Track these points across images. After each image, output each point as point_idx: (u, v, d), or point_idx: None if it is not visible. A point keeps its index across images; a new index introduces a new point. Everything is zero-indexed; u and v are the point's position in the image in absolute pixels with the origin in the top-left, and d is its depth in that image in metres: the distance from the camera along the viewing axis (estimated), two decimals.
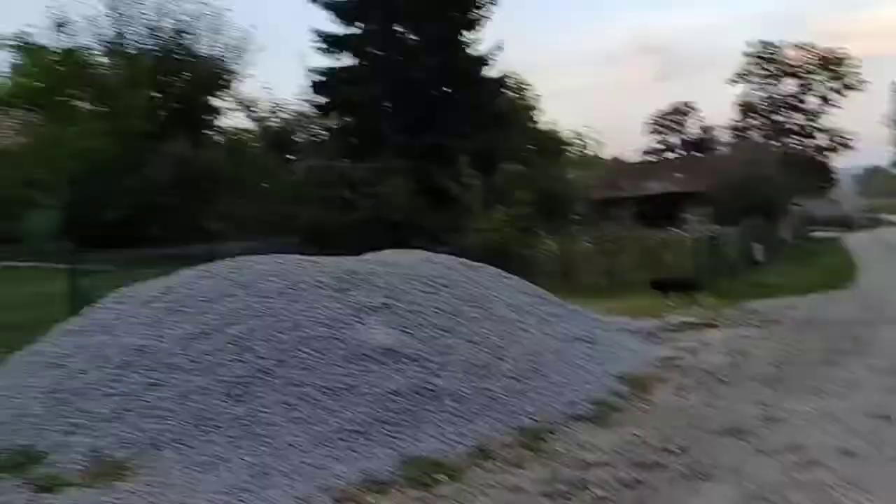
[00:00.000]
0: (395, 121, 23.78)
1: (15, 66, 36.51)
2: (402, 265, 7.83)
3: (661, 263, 17.25)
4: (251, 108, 31.33)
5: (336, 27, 24.89)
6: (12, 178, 26.22)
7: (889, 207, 64.59)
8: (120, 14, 31.34)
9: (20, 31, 32.95)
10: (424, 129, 22.61)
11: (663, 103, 61.68)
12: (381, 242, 17.36)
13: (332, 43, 24.70)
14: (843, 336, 9.49)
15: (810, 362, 7.99)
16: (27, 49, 34.05)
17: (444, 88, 23.41)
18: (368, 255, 9.14)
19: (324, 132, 26.81)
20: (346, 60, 25.14)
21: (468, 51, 25.21)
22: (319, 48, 24.74)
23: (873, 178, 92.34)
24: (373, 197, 19.86)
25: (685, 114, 56.52)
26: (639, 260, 17.83)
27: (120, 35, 31.66)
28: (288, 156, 26.36)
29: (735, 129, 49.99)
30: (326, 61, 25.04)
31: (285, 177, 21.78)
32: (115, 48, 31.39)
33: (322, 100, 25.61)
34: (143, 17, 31.48)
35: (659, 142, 56.75)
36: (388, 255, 9.02)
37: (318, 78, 24.79)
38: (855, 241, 36.23)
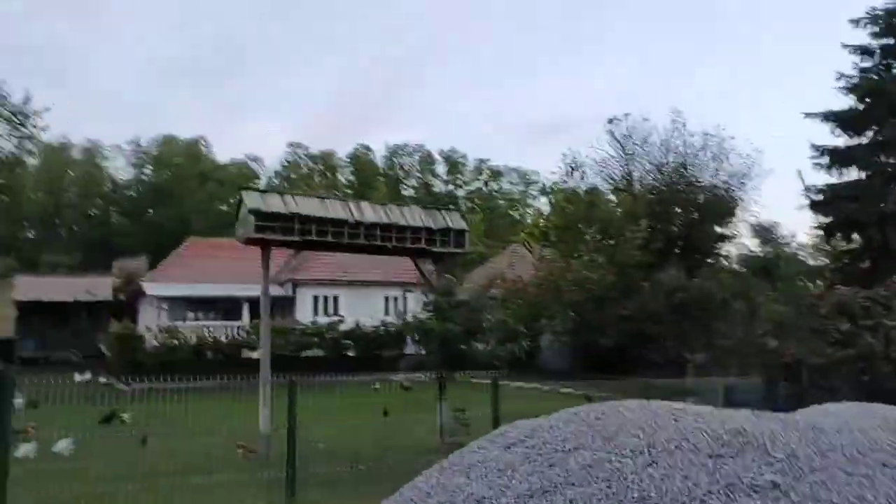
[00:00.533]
0: None
1: (543, 211, 42.20)
2: (824, 428, 5.88)
3: None
4: (761, 235, 29.91)
5: (838, 139, 22.25)
6: (525, 307, 29.53)
7: None
8: (628, 155, 33.74)
9: (551, 180, 38.23)
10: None
11: None
12: (886, 385, 14.13)
13: (834, 157, 22.04)
14: None
15: None
16: (551, 193, 39.10)
17: None
18: (813, 408, 7.21)
19: (822, 256, 23.78)
20: (850, 175, 22.12)
21: None
22: (818, 164, 22.32)
23: None
24: (875, 330, 16.44)
25: None
26: None
27: (627, 173, 33.94)
28: (782, 283, 24.06)
29: None
30: (827, 177, 22.42)
31: (774, 305, 19.74)
32: (620, 185, 33.69)
33: (821, 220, 22.85)
34: (649, 155, 33.33)
35: None
36: (834, 409, 6.96)
37: (816, 196, 22.27)
38: None
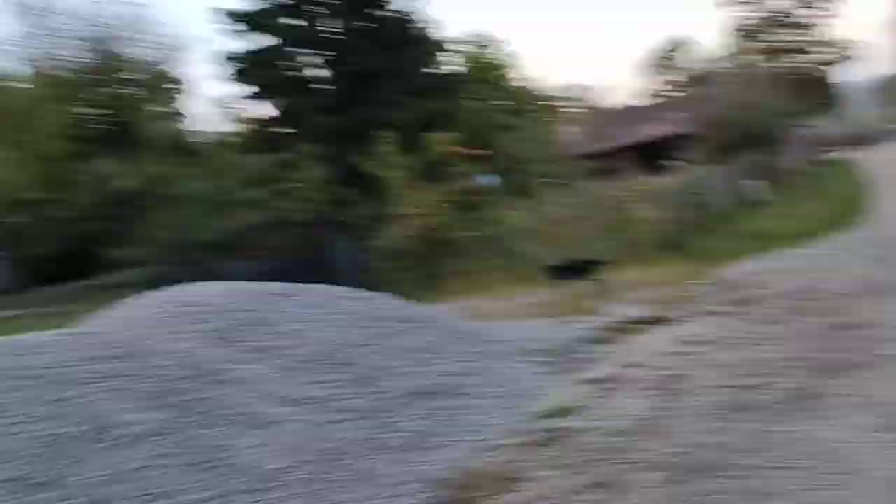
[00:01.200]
0: (321, 101, 20.74)
1: None
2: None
3: (630, 224, 14.19)
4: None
5: (244, 3, 21.78)
6: None
7: None
8: (36, 31, 28.63)
9: None
10: (350, 107, 19.52)
11: (655, 39, 57.28)
12: (293, 246, 14.55)
13: (242, 22, 21.59)
14: (848, 325, 6.38)
15: (792, 395, 4.88)
16: None
17: (373, 56, 20.16)
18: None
19: (249, 123, 23.72)
20: (263, 40, 22.02)
21: (394, 9, 21.88)
22: (232, 31, 21.70)
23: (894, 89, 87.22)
24: (281, 194, 16.92)
25: (679, 48, 53.40)
26: (605, 223, 14.67)
27: (39, 53, 28.97)
28: (204, 158, 23.30)
29: (731, 56, 46.48)
30: (243, 44, 21.98)
31: (193, 183, 18.91)
32: (31, 66, 28.71)
33: (244, 88, 22.57)
34: (62, 30, 28.74)
35: (657, 82, 53.44)
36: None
37: (236, 65, 21.75)
38: (871, 159, 32.99)
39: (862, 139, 42.58)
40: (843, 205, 16.72)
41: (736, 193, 18.09)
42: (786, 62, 44.89)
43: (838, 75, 47.25)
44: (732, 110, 24.18)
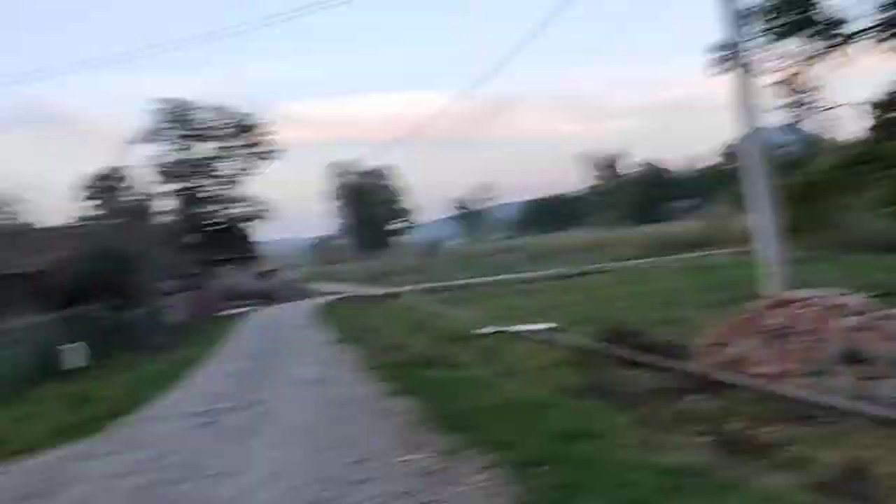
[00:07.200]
0: None
1: None
2: None
3: None
4: None
5: None
6: None
7: (329, 275, 66.63)
8: None
9: None
10: None
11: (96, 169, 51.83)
12: None
13: None
14: None
15: None
16: None
17: None
18: None
19: None
20: None
21: None
22: None
23: (322, 248, 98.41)
24: None
25: (117, 179, 49.72)
26: None
27: None
28: None
29: (152, 195, 44.97)
30: None
31: None
32: None
33: None
34: None
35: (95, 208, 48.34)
36: None
37: None
38: (264, 314, 33.78)
39: (267, 293, 44.02)
40: (160, 376, 14.46)
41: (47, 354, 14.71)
42: (204, 211, 44.78)
43: (259, 232, 48.81)
44: (88, 254, 20.98)
